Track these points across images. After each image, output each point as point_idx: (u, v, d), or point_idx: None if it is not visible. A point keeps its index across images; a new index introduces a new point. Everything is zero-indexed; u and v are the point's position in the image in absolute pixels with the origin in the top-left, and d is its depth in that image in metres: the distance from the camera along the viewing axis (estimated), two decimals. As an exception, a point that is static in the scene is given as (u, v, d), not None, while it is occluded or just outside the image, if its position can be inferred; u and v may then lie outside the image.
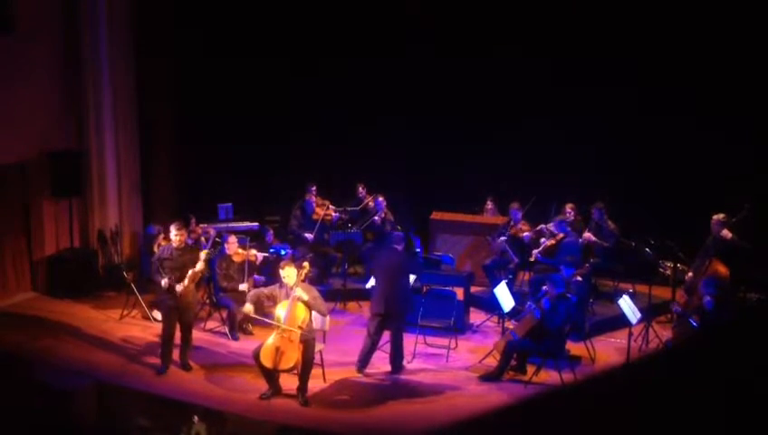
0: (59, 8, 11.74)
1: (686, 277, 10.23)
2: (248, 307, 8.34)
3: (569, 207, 11.34)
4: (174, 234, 8.91)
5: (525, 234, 11.13)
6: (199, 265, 8.89)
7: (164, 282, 8.73)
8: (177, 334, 9.01)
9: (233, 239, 10.49)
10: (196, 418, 7.40)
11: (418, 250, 10.80)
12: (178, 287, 8.71)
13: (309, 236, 11.89)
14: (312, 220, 12.06)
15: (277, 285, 8.43)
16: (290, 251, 11.29)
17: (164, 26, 12.56)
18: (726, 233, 9.90)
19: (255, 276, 10.49)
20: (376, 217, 12.11)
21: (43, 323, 10.52)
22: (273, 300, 8.39)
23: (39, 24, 11.44)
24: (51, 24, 11.67)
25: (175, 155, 13.13)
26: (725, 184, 10.98)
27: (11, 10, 11.03)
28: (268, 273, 10.67)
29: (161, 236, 10.52)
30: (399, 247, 9.25)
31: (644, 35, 11.78)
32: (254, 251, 10.55)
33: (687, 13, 11.48)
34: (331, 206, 12.40)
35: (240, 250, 10.42)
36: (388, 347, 9.22)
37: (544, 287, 9.00)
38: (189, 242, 10.90)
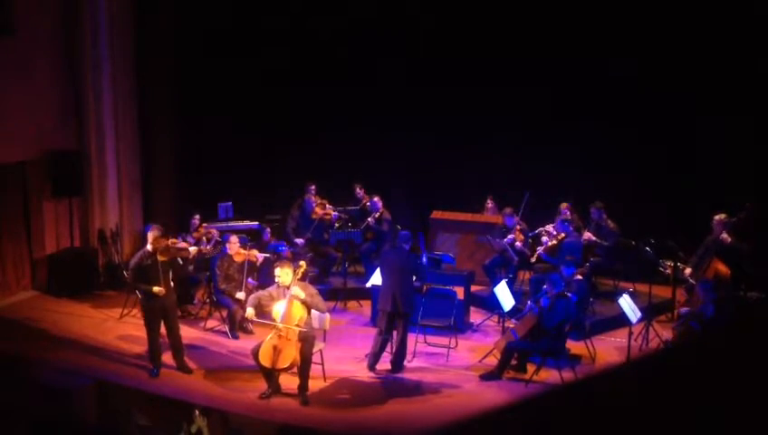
0: (59, 9, 11.74)
1: (684, 273, 10.22)
2: (250, 311, 8.34)
3: (564, 206, 11.33)
4: (152, 238, 8.75)
5: (518, 244, 11.09)
6: (192, 249, 9.07)
7: (156, 289, 8.61)
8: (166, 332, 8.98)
9: (234, 239, 10.48)
10: (197, 412, 7.39)
11: (423, 254, 10.69)
12: (156, 289, 8.63)
13: (299, 241, 11.88)
14: (311, 220, 12.05)
15: (275, 286, 8.43)
16: (287, 248, 11.28)
17: (164, 26, 12.57)
18: (726, 237, 9.89)
19: (249, 280, 10.41)
20: (370, 219, 12.07)
21: (43, 323, 10.53)
22: (273, 300, 8.39)
23: (39, 25, 11.45)
24: (51, 25, 11.67)
25: (175, 154, 13.13)
26: (726, 183, 10.98)
27: (11, 11, 11.04)
28: (266, 273, 10.67)
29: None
30: (406, 247, 9.27)
31: (642, 36, 11.77)
32: (255, 252, 10.53)
33: (687, 12, 11.47)
34: (328, 205, 12.40)
35: (241, 250, 10.41)
36: (388, 346, 9.23)
37: (545, 286, 9.00)
38: (191, 240, 10.93)
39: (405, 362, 9.24)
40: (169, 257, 8.77)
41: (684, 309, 9.53)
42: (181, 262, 9.05)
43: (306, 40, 13.16)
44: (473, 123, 12.98)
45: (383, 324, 9.08)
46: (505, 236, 11.18)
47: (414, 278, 9.26)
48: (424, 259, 10.11)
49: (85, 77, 11.98)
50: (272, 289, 8.45)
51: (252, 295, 8.63)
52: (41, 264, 11.82)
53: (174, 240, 9.26)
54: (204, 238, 11.49)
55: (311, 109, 13.23)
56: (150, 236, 8.82)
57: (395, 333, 9.11)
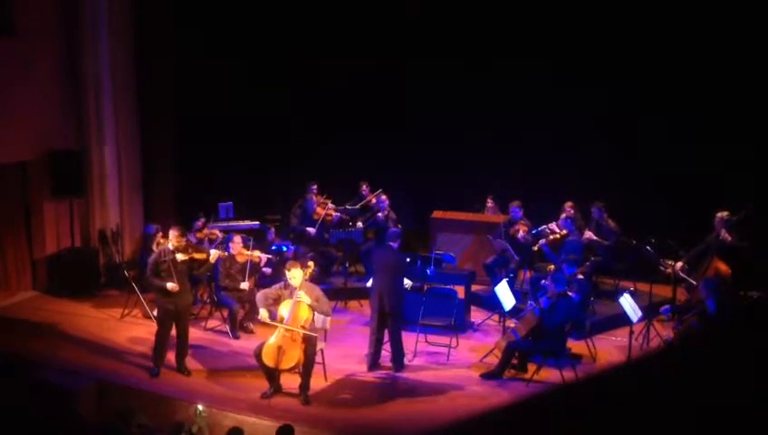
0: (60, 9, 11.74)
1: (678, 266, 10.17)
2: (264, 314, 8.29)
3: (568, 205, 11.35)
4: (173, 236, 8.83)
5: (520, 234, 11.11)
6: (213, 252, 9.09)
7: (170, 285, 8.64)
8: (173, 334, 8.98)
9: (238, 239, 10.48)
10: (198, 411, 7.40)
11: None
12: (170, 285, 8.65)
13: (311, 230, 11.90)
14: (313, 220, 12.08)
15: (282, 284, 8.42)
16: (292, 248, 11.30)
17: (164, 26, 12.56)
18: (726, 236, 9.89)
19: (264, 268, 10.48)
20: (380, 214, 12.12)
21: (44, 323, 10.52)
22: (279, 300, 8.38)
23: (40, 26, 11.45)
24: (52, 26, 11.67)
25: (175, 154, 13.13)
26: (726, 182, 10.97)
27: (11, 12, 11.05)
28: (273, 269, 10.73)
29: (160, 234, 10.52)
30: (395, 245, 9.24)
31: (641, 35, 11.77)
32: (257, 252, 10.54)
33: (686, 11, 11.46)
34: (330, 205, 12.41)
35: (244, 251, 10.42)
36: (388, 345, 9.23)
37: (544, 281, 9.00)
38: (193, 240, 10.93)
39: (405, 361, 9.23)
40: (188, 257, 8.80)
41: (665, 309, 9.54)
42: (200, 265, 9.02)
43: (306, 40, 13.16)
44: (473, 123, 12.98)
45: (374, 324, 9.07)
46: (510, 229, 11.20)
47: (403, 277, 9.20)
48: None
49: (85, 77, 11.98)
50: (279, 288, 8.43)
51: (260, 295, 8.53)
52: (41, 264, 11.82)
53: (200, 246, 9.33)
54: (207, 239, 11.50)
55: (311, 108, 13.24)
56: (172, 234, 8.87)
57: (388, 332, 9.09)
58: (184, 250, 8.81)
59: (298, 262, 8.52)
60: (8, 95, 11.02)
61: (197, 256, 8.94)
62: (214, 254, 9.16)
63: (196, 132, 13.06)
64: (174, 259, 8.73)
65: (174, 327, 8.87)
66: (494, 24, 12.62)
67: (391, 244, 9.22)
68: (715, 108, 11.43)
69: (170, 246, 8.83)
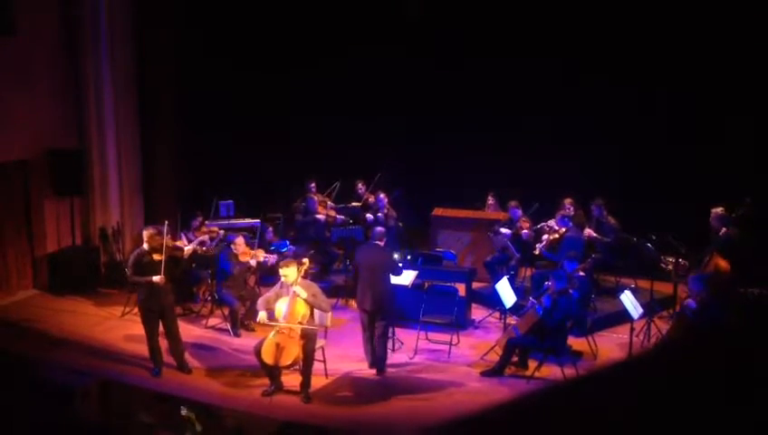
0: (60, 9, 11.75)
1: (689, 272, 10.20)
2: (262, 315, 8.28)
3: (567, 202, 11.36)
4: (147, 236, 8.74)
5: (524, 231, 11.12)
6: (187, 248, 9.11)
7: (156, 278, 8.57)
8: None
9: (240, 241, 10.46)
10: (184, 410, 7.40)
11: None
12: (156, 278, 8.57)
13: (320, 217, 11.93)
14: (315, 219, 12.10)
15: (278, 284, 8.42)
16: (292, 248, 11.33)
17: (164, 26, 12.57)
18: (727, 233, 9.88)
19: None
20: (380, 214, 12.13)
21: (45, 321, 10.54)
22: (279, 298, 8.39)
23: (40, 25, 11.46)
24: (52, 25, 11.68)
25: (176, 153, 13.14)
26: (726, 180, 10.97)
27: (11, 12, 11.05)
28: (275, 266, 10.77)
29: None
30: (381, 243, 9.22)
31: (643, 35, 11.78)
32: (261, 251, 10.56)
33: (686, 11, 11.46)
34: (330, 203, 12.41)
35: (248, 250, 10.43)
36: (390, 342, 9.23)
37: (547, 283, 9.00)
38: (193, 238, 10.94)
39: (406, 359, 9.23)
40: (165, 256, 8.75)
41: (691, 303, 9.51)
42: (176, 263, 9.01)
43: (307, 39, 13.16)
44: (474, 121, 12.98)
45: (365, 322, 9.03)
46: (511, 229, 11.20)
47: (389, 275, 9.18)
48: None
49: (86, 76, 11.99)
50: (276, 288, 8.43)
51: (260, 299, 8.54)
52: (42, 262, 11.84)
53: (175, 242, 9.27)
54: (208, 237, 11.51)
55: (310, 107, 13.24)
56: (146, 234, 8.79)
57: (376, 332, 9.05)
58: (159, 250, 8.72)
59: (292, 260, 8.52)
60: (9, 94, 11.03)
61: (175, 254, 8.92)
62: (188, 250, 9.14)
63: (196, 131, 13.07)
64: (151, 260, 8.67)
65: (161, 326, 8.84)
66: (494, 23, 12.61)
67: (377, 242, 9.20)
68: (715, 108, 11.42)
69: (145, 247, 8.75)
